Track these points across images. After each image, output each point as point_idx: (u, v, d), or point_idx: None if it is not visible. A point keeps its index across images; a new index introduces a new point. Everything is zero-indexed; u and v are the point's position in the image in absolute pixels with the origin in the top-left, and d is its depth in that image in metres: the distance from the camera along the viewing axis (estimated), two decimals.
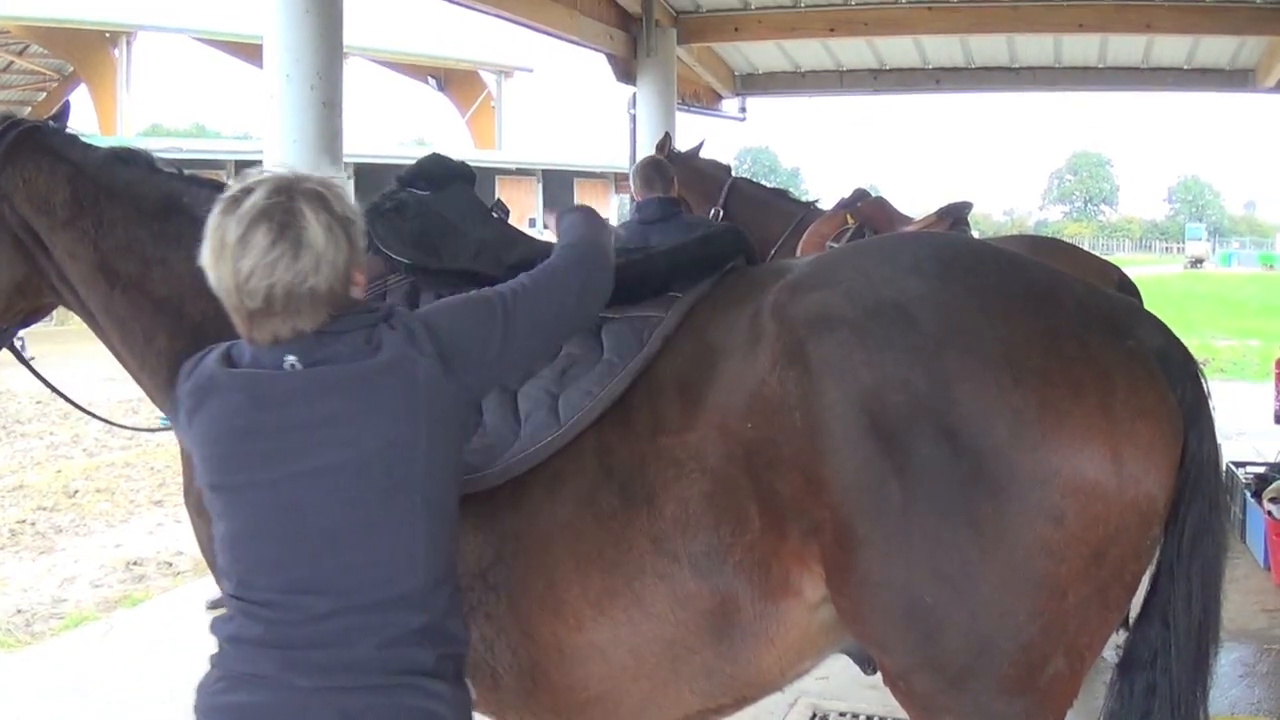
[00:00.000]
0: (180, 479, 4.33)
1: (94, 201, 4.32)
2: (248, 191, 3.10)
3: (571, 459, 3.64)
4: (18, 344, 4.78)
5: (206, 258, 3.11)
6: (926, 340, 3.24)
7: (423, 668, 3.14)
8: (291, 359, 3.09)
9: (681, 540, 3.46)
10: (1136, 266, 69.67)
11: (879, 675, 3.61)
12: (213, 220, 3.11)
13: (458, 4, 11.64)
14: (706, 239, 4.12)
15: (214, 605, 6.14)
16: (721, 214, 10.58)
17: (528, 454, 3.65)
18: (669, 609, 3.50)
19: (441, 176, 4.36)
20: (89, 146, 4.53)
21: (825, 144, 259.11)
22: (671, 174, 9.09)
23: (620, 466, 3.58)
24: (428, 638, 3.16)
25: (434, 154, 4.51)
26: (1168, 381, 3.34)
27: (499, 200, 4.53)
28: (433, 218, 4.17)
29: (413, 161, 4.50)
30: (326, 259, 3.07)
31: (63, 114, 4.75)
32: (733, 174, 11.59)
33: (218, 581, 3.91)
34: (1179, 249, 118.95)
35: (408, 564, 3.15)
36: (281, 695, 3.11)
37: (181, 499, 4.49)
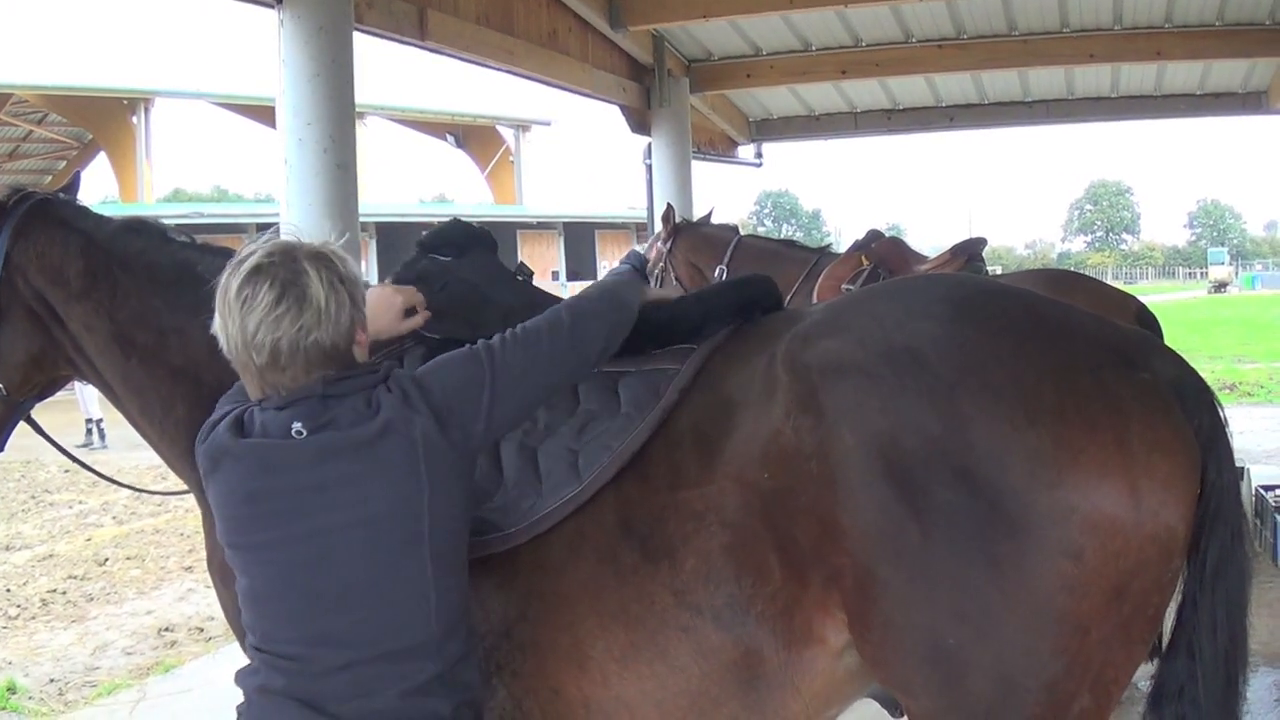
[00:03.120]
0: None
1: (108, 273, 4.35)
2: (250, 254, 3.22)
3: (592, 515, 3.65)
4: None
5: (216, 320, 3.24)
6: (939, 383, 3.24)
7: (441, 716, 3.23)
8: (298, 425, 3.18)
9: (703, 593, 3.47)
10: (1160, 294, 69.80)
11: (905, 718, 3.60)
12: (220, 284, 3.23)
13: (472, 62, 11.68)
14: (741, 284, 4.14)
15: None
16: (727, 271, 10.62)
17: (549, 511, 3.66)
18: (693, 662, 3.51)
19: (464, 242, 4.36)
20: (101, 217, 4.57)
21: (846, 184, 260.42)
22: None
23: (640, 521, 3.59)
24: (444, 686, 3.24)
25: (455, 220, 4.51)
26: (1184, 412, 3.32)
27: (522, 263, 4.55)
28: (459, 285, 4.18)
29: (433, 220, 4.52)
30: (329, 315, 3.18)
31: (73, 185, 4.77)
32: (740, 233, 11.64)
33: (242, 644, 3.94)
34: (1202, 274, 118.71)
35: (421, 615, 3.22)
36: None
37: None
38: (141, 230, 4.51)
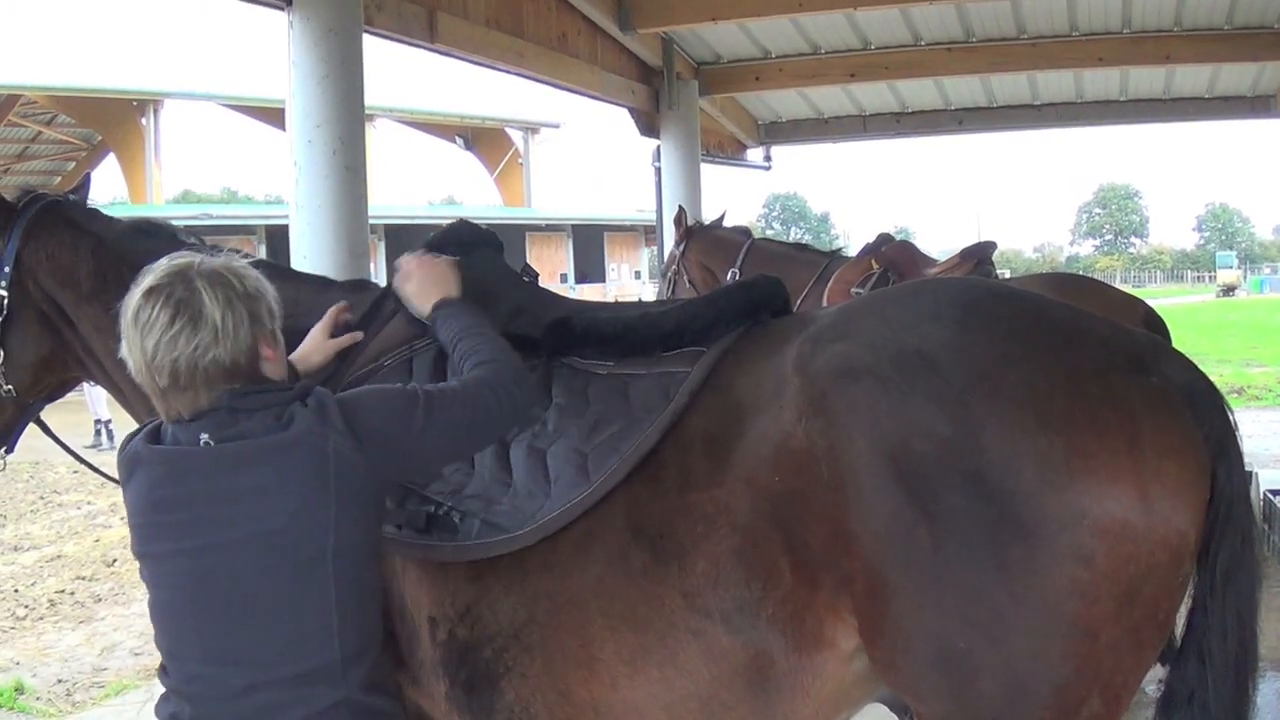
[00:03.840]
0: None
1: (118, 274, 4.32)
2: (147, 274, 3.26)
3: (601, 517, 3.64)
4: None
5: (123, 344, 3.27)
6: (950, 387, 3.23)
7: None
8: (205, 436, 3.19)
9: (713, 596, 3.46)
10: (1168, 297, 69.74)
11: None
12: (122, 306, 3.28)
13: (481, 65, 11.70)
14: (748, 285, 4.14)
15: None
16: (739, 274, 10.63)
17: (558, 514, 3.65)
18: (703, 665, 3.50)
19: (471, 242, 4.36)
20: (111, 219, 4.58)
21: (854, 187, 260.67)
22: None
23: (650, 523, 3.58)
24: (349, 713, 3.23)
25: (462, 220, 4.51)
26: (1194, 417, 3.30)
27: (527, 264, 4.54)
28: (468, 281, 4.17)
29: (442, 222, 4.51)
30: (226, 332, 3.19)
31: (83, 187, 4.77)
32: (753, 236, 11.64)
33: None
34: (1210, 278, 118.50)
35: (321, 637, 3.22)
36: None
37: None
38: (151, 232, 4.50)
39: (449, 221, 4.55)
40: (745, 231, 11.84)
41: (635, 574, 3.55)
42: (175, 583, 3.27)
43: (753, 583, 3.41)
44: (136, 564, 3.40)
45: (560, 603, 3.63)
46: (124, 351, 3.27)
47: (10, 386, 4.45)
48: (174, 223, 4.68)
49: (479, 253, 4.33)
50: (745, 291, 4.07)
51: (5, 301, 4.39)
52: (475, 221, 4.56)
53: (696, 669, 3.50)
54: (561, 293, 4.82)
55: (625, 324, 3.96)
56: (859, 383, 3.34)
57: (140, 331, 3.18)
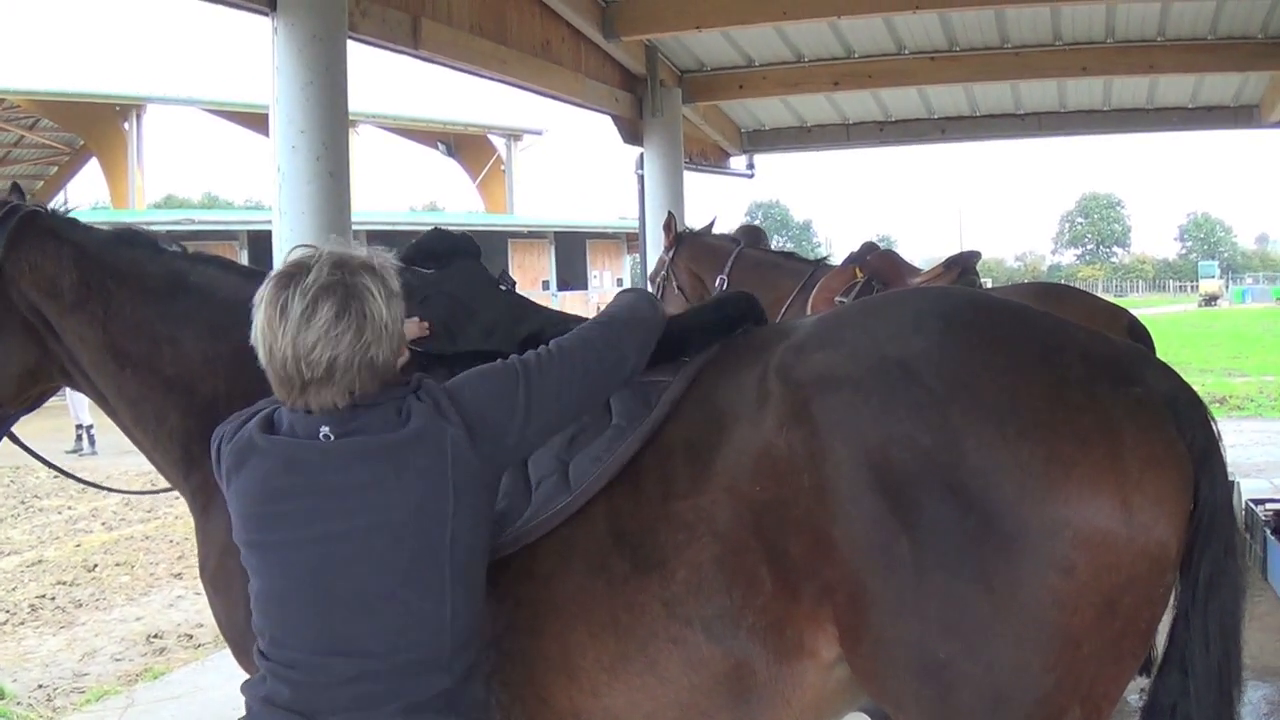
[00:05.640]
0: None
1: (101, 284, 4.32)
2: (305, 269, 3.24)
3: (582, 525, 3.64)
4: None
5: (261, 330, 3.24)
6: (931, 396, 3.23)
7: None
8: (325, 429, 3.22)
9: (694, 604, 3.46)
10: (1151, 307, 69.90)
11: None
12: (267, 295, 3.24)
13: (465, 71, 11.69)
14: (720, 302, 4.13)
15: None
16: (727, 282, 10.64)
17: (539, 522, 3.66)
18: (683, 673, 3.50)
19: (446, 253, 4.33)
20: (91, 229, 4.54)
21: (837, 196, 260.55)
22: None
23: (631, 531, 3.58)
24: (450, 703, 3.24)
25: (436, 230, 4.48)
26: (1177, 427, 3.31)
27: (504, 271, 4.51)
28: (442, 300, 4.15)
29: (424, 228, 4.48)
30: (388, 330, 3.23)
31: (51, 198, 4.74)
32: (741, 243, 11.64)
33: (236, 656, 3.93)
34: (1193, 287, 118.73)
35: (435, 628, 3.23)
36: None
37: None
38: (133, 241, 4.47)
39: (428, 229, 4.53)
40: (735, 240, 11.83)
41: (616, 582, 3.55)
42: (287, 571, 3.28)
43: (733, 591, 3.42)
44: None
45: (541, 610, 3.64)
46: (256, 339, 3.25)
47: None
48: (156, 228, 4.67)
49: (456, 263, 4.31)
50: (718, 310, 4.05)
51: None
52: (450, 228, 4.53)
53: (677, 677, 3.50)
54: (544, 300, 4.80)
55: None
56: (840, 392, 3.34)
57: (294, 325, 3.17)
